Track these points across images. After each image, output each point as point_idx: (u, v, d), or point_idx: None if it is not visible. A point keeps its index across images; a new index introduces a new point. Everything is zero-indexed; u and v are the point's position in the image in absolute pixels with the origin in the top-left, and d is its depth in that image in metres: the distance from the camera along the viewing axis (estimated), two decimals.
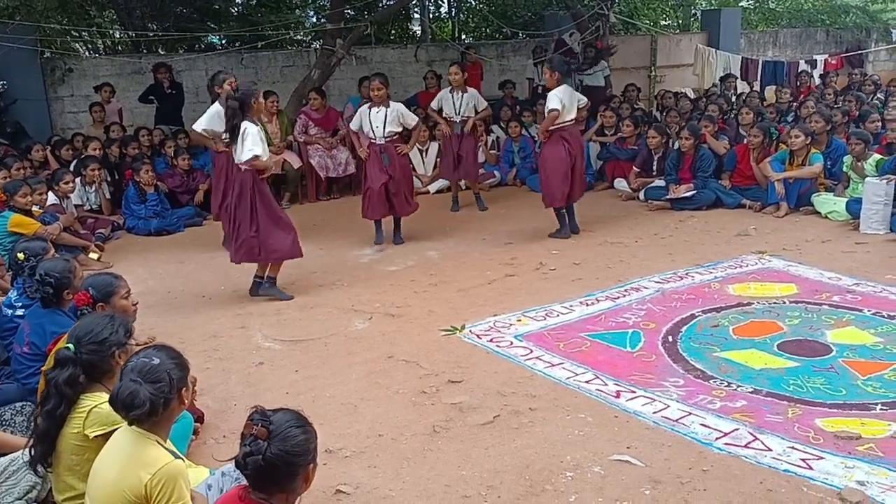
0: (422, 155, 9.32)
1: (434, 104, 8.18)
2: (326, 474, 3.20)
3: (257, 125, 5.33)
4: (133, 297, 3.61)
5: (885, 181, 6.50)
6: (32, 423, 2.78)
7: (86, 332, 2.78)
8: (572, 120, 6.84)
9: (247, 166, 5.33)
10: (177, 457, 2.41)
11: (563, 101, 6.63)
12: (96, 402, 2.68)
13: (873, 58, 16.02)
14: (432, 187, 9.17)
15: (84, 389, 2.72)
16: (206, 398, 3.96)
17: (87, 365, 2.72)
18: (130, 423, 2.39)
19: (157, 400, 2.36)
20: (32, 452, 2.68)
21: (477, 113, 8.00)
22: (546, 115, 6.75)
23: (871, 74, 13.29)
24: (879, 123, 8.04)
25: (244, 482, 2.19)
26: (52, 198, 6.92)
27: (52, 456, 2.70)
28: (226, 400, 4.00)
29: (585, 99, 7.14)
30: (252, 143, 5.18)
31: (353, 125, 7.01)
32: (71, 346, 2.73)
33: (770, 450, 3.25)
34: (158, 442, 2.40)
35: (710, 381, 3.94)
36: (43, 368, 3.17)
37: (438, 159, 9.33)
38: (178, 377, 2.46)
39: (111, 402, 2.39)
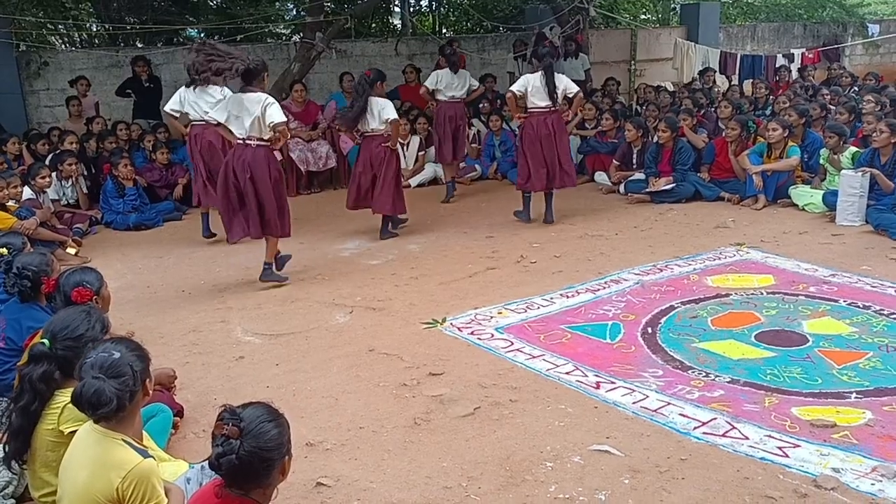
0: (402, 149, 9.29)
1: (431, 83, 8.32)
2: (307, 467, 3.20)
3: None
4: (111, 291, 3.60)
5: (860, 173, 6.58)
6: (6, 420, 2.75)
7: (62, 327, 2.75)
8: (545, 107, 6.90)
9: (257, 142, 5.36)
10: (146, 455, 2.37)
11: (527, 86, 6.87)
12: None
13: (850, 52, 16.19)
14: (413, 181, 9.15)
15: (59, 385, 2.69)
16: (186, 392, 3.95)
17: (63, 361, 2.68)
18: (97, 421, 2.36)
19: (124, 395, 2.32)
20: (6, 449, 2.65)
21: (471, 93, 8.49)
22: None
23: (846, 68, 13.44)
24: (847, 115, 8.06)
25: None
26: (27, 192, 6.83)
27: (26, 453, 2.67)
28: (206, 394, 3.98)
29: (575, 88, 7.08)
30: (279, 110, 5.29)
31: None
32: (46, 341, 2.70)
33: (747, 438, 3.29)
34: (125, 440, 2.36)
35: (689, 372, 3.98)
36: (19, 364, 3.15)
37: (421, 153, 9.33)
38: (140, 369, 2.42)
39: (75, 401, 2.34)
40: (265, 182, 5.42)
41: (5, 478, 2.89)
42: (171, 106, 6.90)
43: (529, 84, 6.87)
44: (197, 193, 7.05)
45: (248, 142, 5.38)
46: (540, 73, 6.83)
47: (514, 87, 6.99)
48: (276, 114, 5.28)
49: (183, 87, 6.85)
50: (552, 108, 6.93)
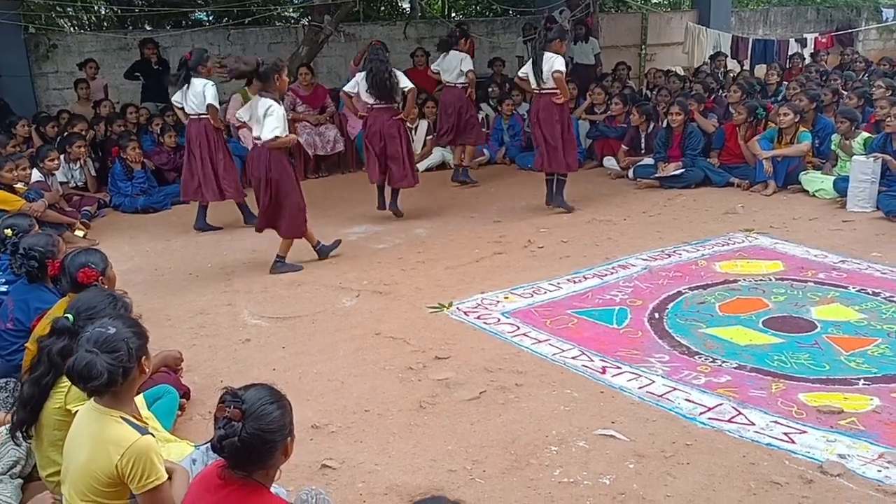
0: (411, 132, 9.25)
1: (434, 66, 8.36)
2: (313, 449, 3.21)
3: (280, 103, 5.41)
4: (119, 274, 3.62)
5: (871, 159, 6.51)
6: (18, 391, 2.76)
7: (87, 307, 2.77)
8: (535, 89, 6.87)
9: (263, 144, 5.40)
10: (144, 431, 2.36)
11: (528, 68, 6.87)
12: None
13: (863, 37, 16.01)
14: (421, 165, 9.10)
15: None
16: (193, 375, 3.96)
17: None
18: (90, 396, 2.36)
19: (116, 370, 2.31)
20: (13, 419, 2.66)
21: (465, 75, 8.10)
22: None
23: (860, 53, 13.29)
24: (857, 101, 7.98)
25: None
26: (36, 175, 6.85)
27: (33, 426, 2.69)
28: (212, 376, 3.99)
29: (559, 67, 6.61)
30: (276, 122, 5.29)
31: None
32: (70, 316, 2.71)
33: (753, 424, 3.28)
34: (123, 418, 2.36)
35: (696, 357, 3.96)
36: (27, 344, 3.17)
37: (429, 137, 9.29)
38: (136, 346, 2.41)
39: (67, 373, 2.34)
40: (264, 182, 5.47)
41: (13, 457, 2.91)
42: (175, 98, 6.98)
43: (527, 69, 6.89)
44: (183, 186, 7.06)
45: (256, 142, 5.50)
46: (532, 59, 6.84)
47: (520, 72, 7.07)
48: (268, 127, 5.29)
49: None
50: (539, 91, 6.83)
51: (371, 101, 6.71)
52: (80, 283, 3.24)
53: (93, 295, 2.88)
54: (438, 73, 8.24)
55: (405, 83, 6.68)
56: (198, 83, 6.62)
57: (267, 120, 5.29)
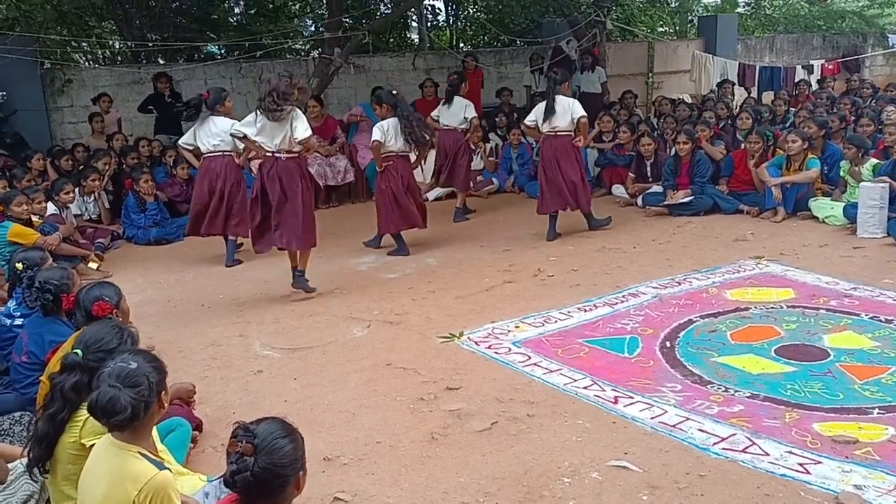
0: (420, 163, 9.30)
1: (434, 114, 8.32)
2: (325, 482, 3.21)
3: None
4: (132, 306, 3.65)
5: (879, 185, 6.51)
6: (32, 428, 2.78)
7: (95, 339, 2.79)
8: (550, 132, 6.97)
9: (287, 154, 5.50)
10: (162, 467, 2.37)
11: (536, 114, 7.05)
12: None
13: (870, 63, 16.08)
14: (431, 195, 9.17)
15: (86, 398, 2.72)
16: (205, 406, 3.97)
17: (92, 372, 2.72)
18: (111, 430, 2.38)
19: (138, 405, 2.34)
20: (29, 455, 2.68)
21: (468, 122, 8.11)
22: None
23: (867, 79, 13.34)
24: (874, 126, 8.01)
25: None
26: (51, 208, 6.94)
27: (48, 461, 2.70)
28: (224, 408, 4.00)
29: (580, 113, 6.83)
30: (305, 123, 5.44)
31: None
32: (79, 351, 2.74)
33: (767, 454, 3.26)
34: (141, 453, 2.38)
35: (708, 387, 3.94)
36: (42, 378, 3.19)
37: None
38: (156, 380, 2.44)
39: (89, 409, 2.36)
40: (295, 192, 5.55)
41: (27, 491, 2.92)
42: (183, 140, 7.00)
43: (539, 110, 6.99)
44: (191, 221, 6.96)
45: (276, 155, 5.54)
46: (542, 102, 6.98)
47: (528, 120, 7.25)
48: (301, 129, 5.42)
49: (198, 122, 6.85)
50: (554, 133, 6.93)
51: (402, 149, 6.83)
52: (94, 316, 3.27)
53: (99, 328, 2.90)
54: (437, 120, 8.16)
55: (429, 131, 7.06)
56: (221, 122, 6.61)
57: (296, 123, 5.41)
